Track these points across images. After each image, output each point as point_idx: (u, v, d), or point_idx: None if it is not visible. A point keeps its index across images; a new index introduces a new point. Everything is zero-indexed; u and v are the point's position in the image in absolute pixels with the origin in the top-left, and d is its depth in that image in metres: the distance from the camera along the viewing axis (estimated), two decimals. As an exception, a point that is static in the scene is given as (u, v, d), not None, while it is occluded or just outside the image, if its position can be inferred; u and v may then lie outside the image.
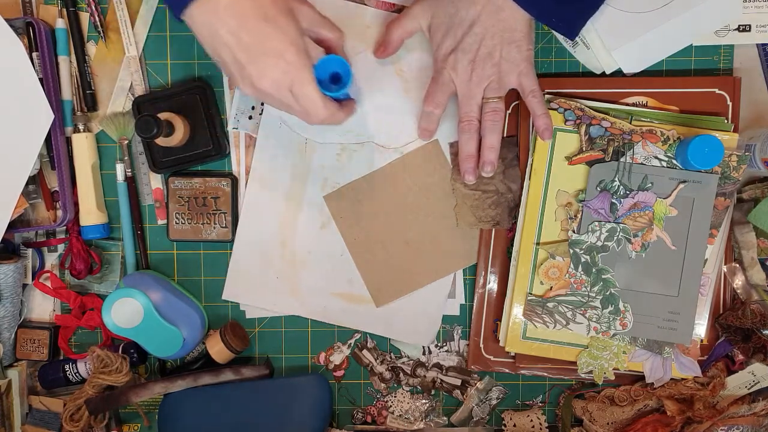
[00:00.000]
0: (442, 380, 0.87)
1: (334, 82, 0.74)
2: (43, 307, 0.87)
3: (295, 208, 0.85)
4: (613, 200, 0.80)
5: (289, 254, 0.86)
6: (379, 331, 0.86)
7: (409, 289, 0.86)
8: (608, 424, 0.83)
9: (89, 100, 0.84)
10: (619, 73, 0.83)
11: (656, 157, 0.80)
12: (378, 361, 0.87)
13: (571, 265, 0.81)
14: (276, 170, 0.85)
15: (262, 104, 0.84)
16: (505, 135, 0.82)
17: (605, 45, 0.81)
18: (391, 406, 0.88)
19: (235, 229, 0.85)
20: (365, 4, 0.83)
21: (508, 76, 0.76)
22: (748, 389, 0.82)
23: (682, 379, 0.83)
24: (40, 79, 0.80)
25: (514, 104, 0.83)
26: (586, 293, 0.81)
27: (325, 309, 0.86)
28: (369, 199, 0.85)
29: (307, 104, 0.69)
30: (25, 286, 0.86)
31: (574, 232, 0.81)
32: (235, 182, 0.85)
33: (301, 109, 0.69)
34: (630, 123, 0.80)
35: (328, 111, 0.70)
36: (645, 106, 0.82)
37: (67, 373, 0.85)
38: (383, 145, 0.84)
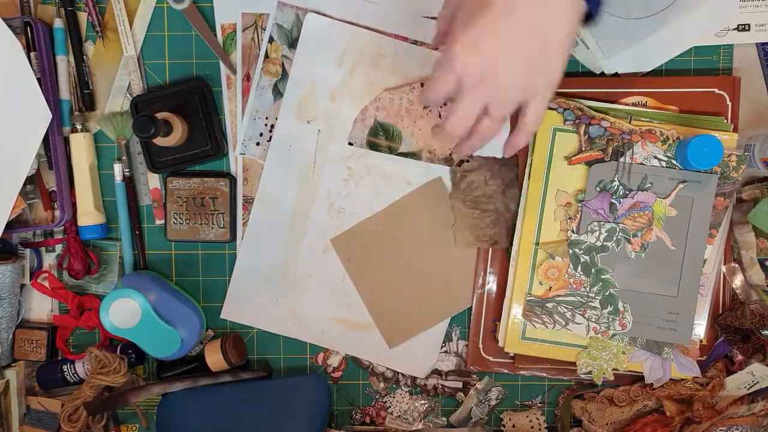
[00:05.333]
0: (443, 385, 0.87)
1: None
2: (41, 307, 0.87)
3: (299, 231, 0.85)
4: (613, 200, 0.80)
5: (290, 277, 0.85)
6: (377, 359, 0.86)
7: (421, 328, 0.86)
8: (607, 424, 0.83)
9: (87, 100, 0.84)
10: (618, 73, 0.83)
11: (656, 157, 0.80)
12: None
13: (571, 266, 0.81)
14: (282, 193, 0.85)
15: (270, 130, 0.84)
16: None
17: (603, 52, 0.81)
18: (389, 406, 0.88)
19: (234, 229, 0.85)
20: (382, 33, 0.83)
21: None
22: (748, 389, 0.82)
23: (682, 379, 0.83)
24: (38, 79, 0.80)
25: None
26: (586, 293, 0.81)
27: (323, 334, 0.86)
28: (376, 239, 0.85)
29: None
30: (22, 286, 0.86)
31: (573, 232, 0.81)
32: (233, 182, 0.84)
33: None
34: (629, 123, 0.80)
35: None
36: (644, 106, 0.82)
37: (65, 373, 0.85)
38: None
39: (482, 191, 0.83)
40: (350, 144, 0.83)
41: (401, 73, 0.83)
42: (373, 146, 0.83)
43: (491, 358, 0.85)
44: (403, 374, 0.87)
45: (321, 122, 0.84)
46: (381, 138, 0.83)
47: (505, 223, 0.83)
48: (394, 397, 0.87)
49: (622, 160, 0.80)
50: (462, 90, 0.62)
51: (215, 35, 0.84)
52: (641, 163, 0.80)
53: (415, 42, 0.83)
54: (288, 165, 0.84)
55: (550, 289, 0.81)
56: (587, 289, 0.81)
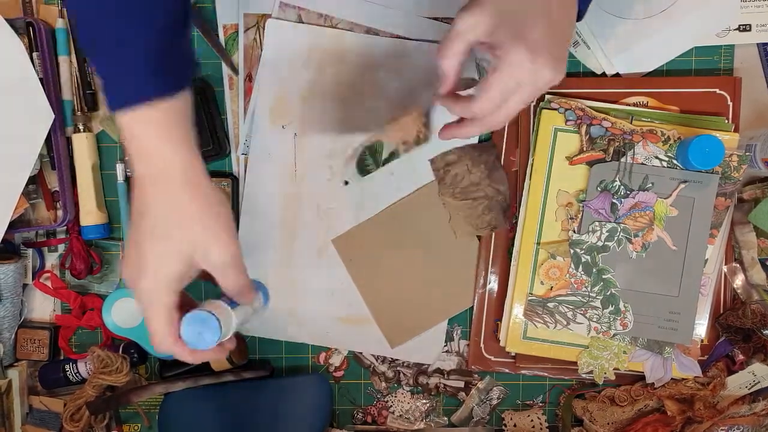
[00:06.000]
0: (445, 385, 0.87)
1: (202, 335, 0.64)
2: (44, 307, 0.87)
3: (289, 236, 0.85)
4: (614, 200, 0.80)
5: (288, 283, 0.85)
6: (383, 352, 0.87)
7: (423, 328, 0.86)
8: (609, 424, 0.83)
9: (89, 100, 0.84)
10: (619, 74, 0.83)
11: (657, 157, 0.80)
12: (379, 360, 0.87)
13: (572, 265, 0.81)
14: (267, 201, 0.84)
15: None
16: (481, 139, 0.83)
17: (604, 52, 0.81)
18: (391, 406, 0.88)
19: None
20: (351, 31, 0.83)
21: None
22: (749, 389, 0.82)
23: (683, 379, 0.83)
24: (41, 79, 0.80)
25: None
26: (587, 293, 0.81)
27: (327, 334, 0.86)
28: (377, 240, 0.85)
29: (150, 334, 0.63)
30: (25, 286, 0.86)
31: (574, 232, 0.81)
32: (235, 182, 0.85)
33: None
34: (630, 123, 0.80)
35: (169, 348, 0.63)
36: (645, 106, 0.82)
37: (68, 373, 0.85)
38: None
39: (468, 181, 0.83)
40: (346, 183, 0.84)
41: (369, 64, 0.82)
42: (365, 172, 0.84)
43: (493, 358, 0.85)
44: (404, 374, 0.87)
45: (296, 125, 0.84)
46: (369, 161, 0.84)
47: (498, 206, 0.83)
48: (395, 397, 0.88)
49: (623, 160, 0.80)
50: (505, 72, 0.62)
51: (217, 36, 0.84)
52: (642, 163, 0.80)
53: (377, 33, 0.82)
54: (269, 172, 0.84)
55: (551, 289, 0.82)
56: (588, 288, 0.81)
